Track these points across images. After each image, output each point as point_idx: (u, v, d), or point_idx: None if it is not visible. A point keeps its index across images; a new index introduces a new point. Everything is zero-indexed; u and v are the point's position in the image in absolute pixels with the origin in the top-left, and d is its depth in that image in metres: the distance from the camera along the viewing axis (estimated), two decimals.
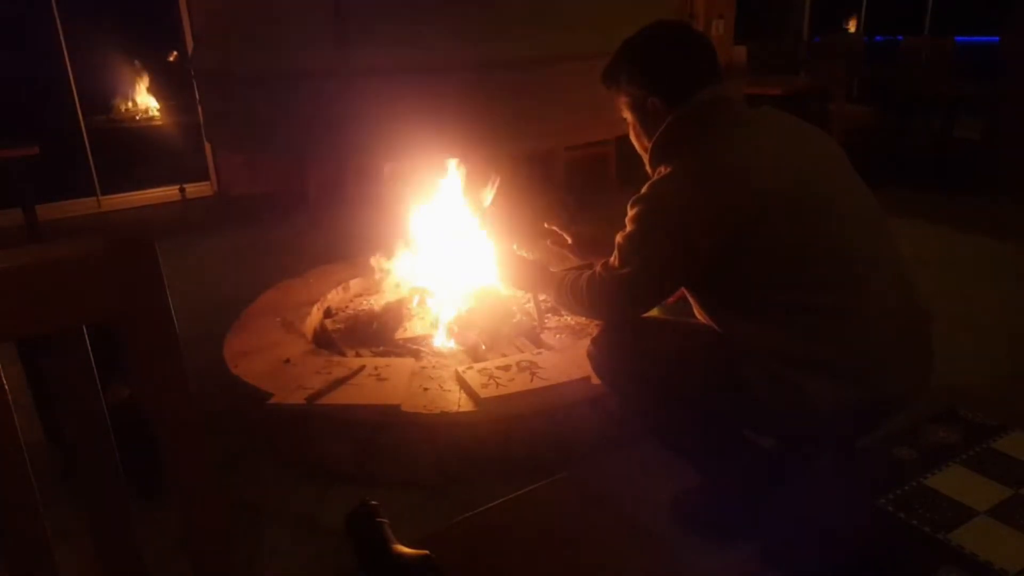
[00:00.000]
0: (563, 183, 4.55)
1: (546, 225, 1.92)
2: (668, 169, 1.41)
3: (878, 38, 6.97)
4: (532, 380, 1.91)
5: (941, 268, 3.18)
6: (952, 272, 3.18)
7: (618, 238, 1.46)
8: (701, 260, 1.39)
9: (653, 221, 1.41)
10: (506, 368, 1.97)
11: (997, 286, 3.07)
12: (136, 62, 5.36)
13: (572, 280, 1.59)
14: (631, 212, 1.43)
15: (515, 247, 1.99)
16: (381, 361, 2.09)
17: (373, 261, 2.68)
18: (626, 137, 1.64)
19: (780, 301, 1.36)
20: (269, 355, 2.16)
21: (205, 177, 5.32)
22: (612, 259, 1.48)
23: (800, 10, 7.43)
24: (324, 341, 2.40)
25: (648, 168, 1.53)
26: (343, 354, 2.26)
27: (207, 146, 5.21)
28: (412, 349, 2.27)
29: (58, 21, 4.71)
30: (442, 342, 2.30)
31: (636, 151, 1.62)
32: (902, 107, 5.16)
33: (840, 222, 1.39)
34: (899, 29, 7.46)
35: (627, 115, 1.56)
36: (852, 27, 7.62)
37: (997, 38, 4.63)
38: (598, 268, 1.51)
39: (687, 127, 1.43)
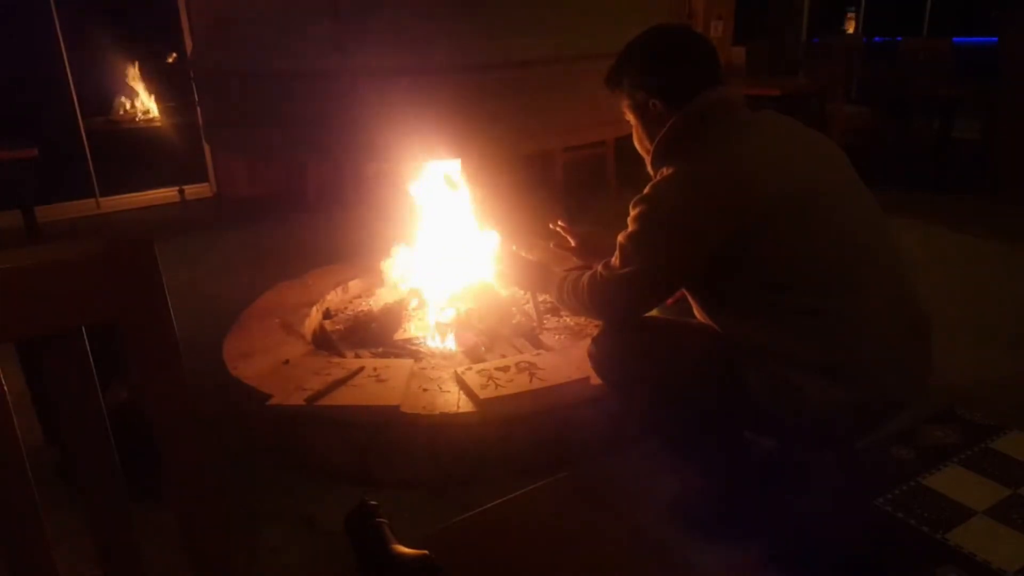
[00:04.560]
0: (562, 184, 4.56)
1: (552, 226, 1.93)
2: (670, 171, 1.41)
3: (876, 39, 6.97)
4: (531, 381, 1.91)
5: (940, 268, 3.18)
6: (951, 272, 3.18)
7: (620, 238, 1.46)
8: (702, 261, 1.39)
9: (655, 222, 1.41)
10: (505, 369, 1.97)
11: (996, 286, 3.07)
12: (135, 63, 5.36)
13: (573, 280, 1.60)
14: (633, 212, 1.44)
15: (514, 248, 2.00)
16: (380, 362, 2.09)
17: (384, 267, 2.66)
18: (625, 138, 1.65)
19: (780, 302, 1.36)
20: (268, 356, 2.16)
21: (204, 178, 5.32)
22: (614, 259, 1.48)
23: (799, 11, 7.43)
24: (323, 342, 2.40)
25: (650, 169, 1.53)
26: (342, 355, 2.26)
27: (206, 147, 5.21)
28: (411, 350, 2.27)
29: (57, 22, 4.71)
30: (441, 343, 2.30)
31: (635, 152, 1.62)
32: (900, 108, 5.16)
33: (841, 224, 1.39)
34: (897, 30, 7.48)
35: (629, 117, 1.56)
36: (850, 28, 7.63)
37: (995, 39, 4.63)
38: (599, 268, 1.52)
39: (689, 129, 1.44)
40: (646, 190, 1.44)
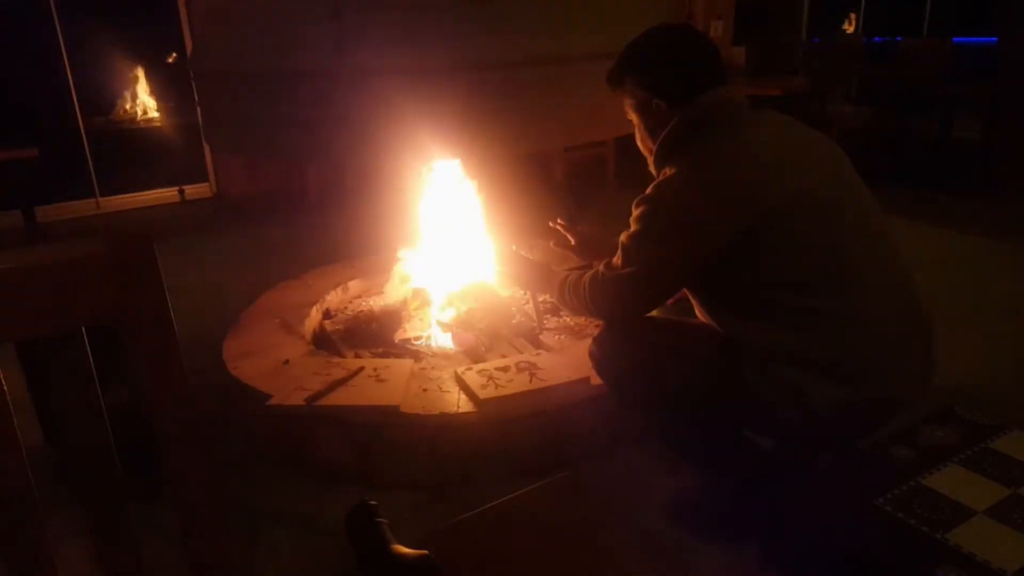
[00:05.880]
0: (562, 184, 4.56)
1: (551, 224, 1.93)
2: (673, 171, 1.41)
3: (876, 39, 6.98)
4: (531, 381, 1.91)
5: (939, 268, 3.18)
6: (950, 272, 3.19)
7: (622, 237, 1.47)
8: (704, 261, 1.40)
9: (657, 222, 1.41)
10: (505, 369, 1.97)
11: (995, 286, 3.07)
12: (135, 63, 5.36)
13: (575, 279, 1.60)
14: (636, 212, 1.44)
15: (514, 247, 2.00)
16: (380, 362, 2.09)
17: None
18: (625, 138, 1.65)
19: (782, 302, 1.36)
20: (268, 356, 2.16)
21: (204, 178, 5.33)
22: (615, 258, 1.48)
23: (799, 11, 7.43)
24: (323, 342, 2.40)
25: (652, 169, 1.53)
26: (342, 355, 2.26)
27: (206, 147, 5.21)
28: (411, 350, 2.27)
29: (57, 22, 4.71)
30: (441, 343, 2.30)
31: (636, 152, 1.62)
32: (900, 108, 5.17)
33: (843, 224, 1.39)
34: (897, 30, 7.48)
35: (632, 116, 1.56)
36: (850, 28, 7.63)
37: (995, 39, 4.63)
38: (601, 268, 1.52)
39: (692, 129, 1.44)
40: (649, 190, 1.44)
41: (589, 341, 1.64)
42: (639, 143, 1.59)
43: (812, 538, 1.51)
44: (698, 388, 1.45)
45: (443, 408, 1.86)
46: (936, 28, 7.79)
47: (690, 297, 1.55)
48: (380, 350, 2.28)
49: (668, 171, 1.43)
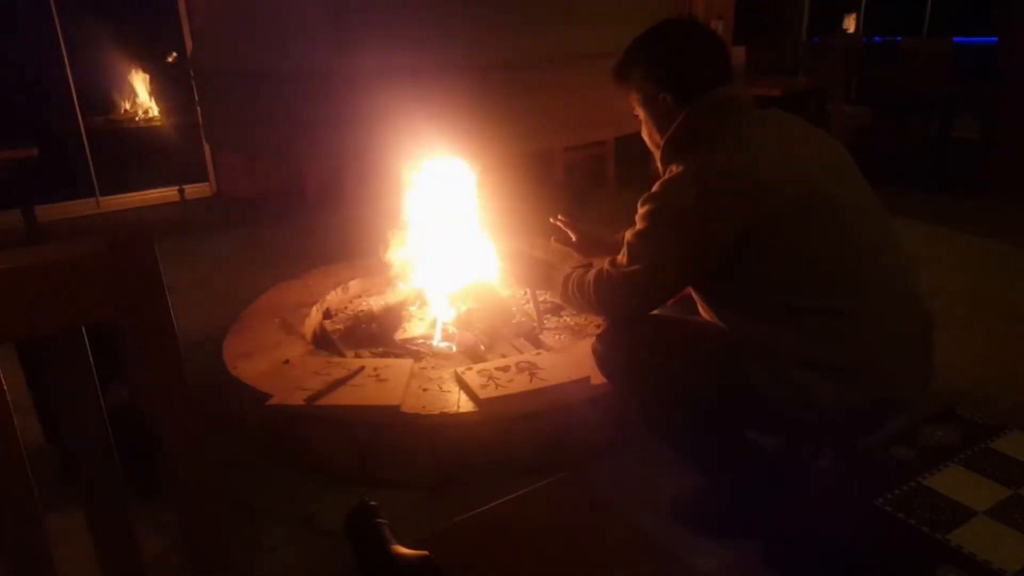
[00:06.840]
0: (562, 184, 4.56)
1: (552, 220, 1.93)
2: (679, 168, 1.41)
3: (876, 39, 6.99)
4: (531, 381, 1.91)
5: (939, 268, 3.18)
6: (950, 272, 3.19)
7: (627, 235, 1.46)
8: (710, 259, 1.40)
9: (663, 220, 1.41)
10: (505, 369, 1.97)
11: (995, 286, 3.07)
12: (135, 63, 5.35)
13: (579, 277, 1.60)
14: (641, 210, 1.44)
15: (516, 246, 2.00)
16: (380, 362, 2.09)
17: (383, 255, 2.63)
18: (625, 139, 1.65)
19: (787, 302, 1.37)
20: (268, 356, 2.16)
21: (204, 178, 5.33)
22: (620, 256, 1.48)
23: (799, 11, 7.44)
24: (323, 342, 2.40)
25: (658, 165, 1.53)
26: (342, 355, 2.26)
27: (206, 147, 5.21)
28: (411, 350, 2.27)
29: (57, 21, 4.71)
30: (441, 343, 2.30)
31: (635, 153, 1.62)
32: (900, 108, 5.17)
33: (847, 224, 1.40)
34: (897, 30, 7.48)
35: (638, 111, 1.56)
36: (851, 28, 7.63)
37: (995, 39, 4.63)
38: (606, 265, 1.52)
39: (699, 125, 1.44)
40: (655, 187, 1.43)
41: (589, 340, 1.64)
42: (645, 138, 1.59)
43: (812, 538, 1.51)
44: (701, 387, 1.45)
45: (443, 408, 1.85)
46: (936, 28, 7.79)
47: (694, 295, 1.55)
48: (380, 350, 2.28)
49: (674, 168, 1.42)
